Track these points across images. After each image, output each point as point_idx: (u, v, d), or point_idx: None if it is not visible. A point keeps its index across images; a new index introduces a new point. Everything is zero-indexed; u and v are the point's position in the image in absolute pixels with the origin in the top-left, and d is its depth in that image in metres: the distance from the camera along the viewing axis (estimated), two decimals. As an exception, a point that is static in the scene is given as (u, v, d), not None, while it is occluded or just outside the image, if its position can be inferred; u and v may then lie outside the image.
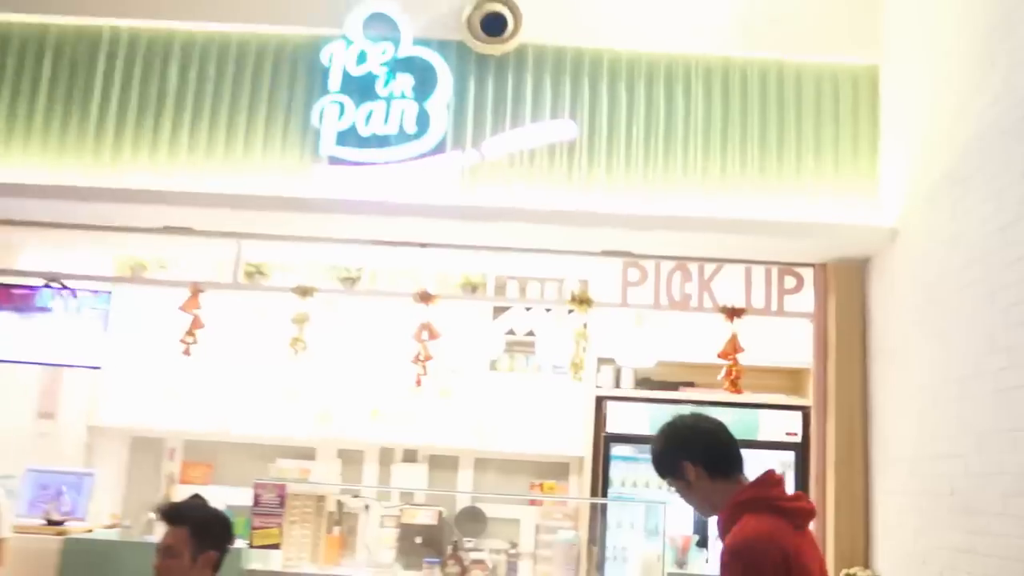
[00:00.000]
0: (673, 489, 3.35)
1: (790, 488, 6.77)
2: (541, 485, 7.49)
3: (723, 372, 6.28)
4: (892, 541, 5.89)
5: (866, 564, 6.07)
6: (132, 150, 6.41)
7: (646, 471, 7.19)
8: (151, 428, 7.60)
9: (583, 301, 6.43)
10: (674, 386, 7.32)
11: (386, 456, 7.75)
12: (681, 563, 6.58)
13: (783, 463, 6.93)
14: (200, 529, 3.78)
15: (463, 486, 7.64)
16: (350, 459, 7.75)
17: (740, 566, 2.97)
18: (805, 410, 6.92)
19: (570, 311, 6.45)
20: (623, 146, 6.29)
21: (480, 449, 7.49)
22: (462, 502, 7.44)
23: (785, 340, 6.83)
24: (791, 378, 7.47)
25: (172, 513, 3.83)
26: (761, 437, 6.93)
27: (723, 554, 3.03)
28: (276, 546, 6.45)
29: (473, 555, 6.81)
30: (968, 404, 4.95)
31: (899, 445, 5.81)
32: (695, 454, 3.26)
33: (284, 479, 6.81)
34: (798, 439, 6.93)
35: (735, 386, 6.27)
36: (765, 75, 6.35)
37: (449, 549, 6.89)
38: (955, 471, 5.07)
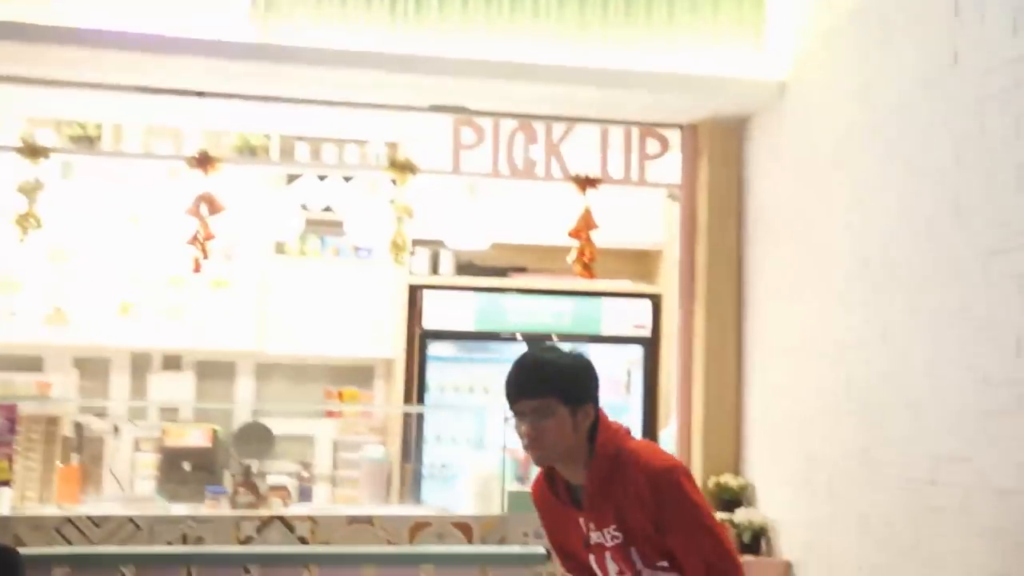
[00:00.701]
0: (535, 419, 2.96)
1: (639, 388, 6.77)
2: (340, 393, 6.92)
3: (573, 253, 5.87)
4: (769, 446, 5.73)
5: (737, 471, 5.90)
6: None
7: (470, 372, 6.81)
8: None
9: (405, 167, 5.81)
10: (503, 272, 6.88)
11: (140, 364, 6.93)
12: (523, 478, 6.20)
13: (630, 360, 6.68)
14: None
15: (242, 398, 6.96)
16: (92, 370, 6.86)
17: (686, 479, 2.98)
18: (655, 298, 6.69)
19: (393, 180, 5.81)
20: (461, -26, 5.63)
21: (262, 352, 6.79)
22: (241, 417, 6.77)
23: (631, 216, 6.49)
24: (637, 261, 7.15)
25: None
26: (605, 331, 6.63)
27: (660, 478, 2.94)
28: (6, 483, 5.68)
29: (271, 479, 6.22)
30: (872, 288, 4.77)
31: (784, 338, 5.60)
32: (597, 401, 3.08)
33: (15, 397, 5.99)
34: (647, 332, 6.71)
35: (588, 270, 5.83)
36: None
37: (238, 476, 6.26)
38: (853, 366, 4.92)
